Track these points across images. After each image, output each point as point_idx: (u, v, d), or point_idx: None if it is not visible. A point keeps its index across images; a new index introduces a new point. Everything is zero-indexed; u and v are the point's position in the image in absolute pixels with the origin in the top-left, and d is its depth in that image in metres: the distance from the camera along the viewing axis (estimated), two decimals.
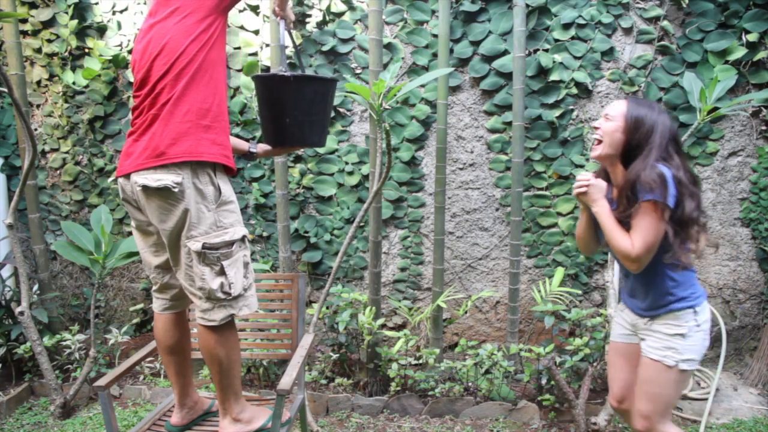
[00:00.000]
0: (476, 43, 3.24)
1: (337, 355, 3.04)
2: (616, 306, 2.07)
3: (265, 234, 3.50)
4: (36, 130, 3.59)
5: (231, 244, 1.67)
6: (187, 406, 1.93)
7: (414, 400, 2.92)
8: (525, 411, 2.83)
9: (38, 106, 3.58)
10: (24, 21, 3.43)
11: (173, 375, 1.89)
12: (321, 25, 3.30)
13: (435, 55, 3.21)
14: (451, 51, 3.22)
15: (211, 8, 1.61)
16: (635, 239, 1.70)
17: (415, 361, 3.01)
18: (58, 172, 3.64)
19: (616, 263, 3.15)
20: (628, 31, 3.21)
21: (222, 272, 1.65)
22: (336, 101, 3.34)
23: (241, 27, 3.33)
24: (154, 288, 1.86)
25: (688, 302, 1.80)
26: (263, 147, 2.03)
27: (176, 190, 1.57)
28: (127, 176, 1.65)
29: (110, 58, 3.43)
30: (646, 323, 1.86)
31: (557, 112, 3.24)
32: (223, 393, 1.77)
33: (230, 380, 1.76)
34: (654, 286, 1.81)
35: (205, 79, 1.62)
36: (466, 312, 3.43)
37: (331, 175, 3.42)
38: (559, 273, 3.18)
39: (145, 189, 1.59)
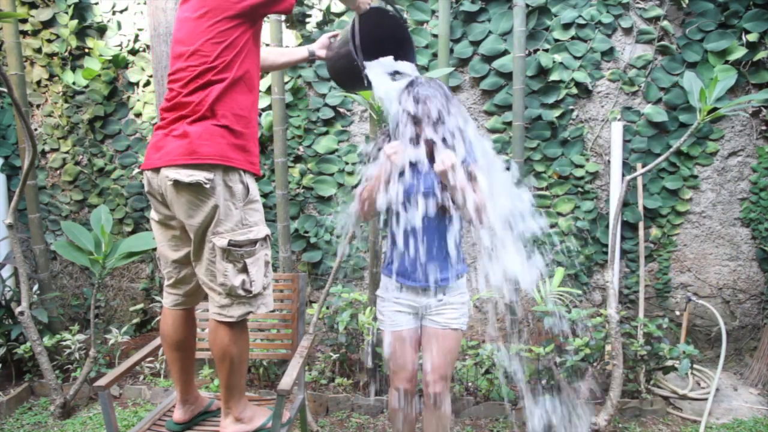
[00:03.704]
0: (476, 43, 3.24)
1: (337, 355, 3.04)
2: (388, 296, 2.02)
3: None
4: (36, 130, 3.59)
5: (255, 242, 1.68)
6: (189, 403, 1.94)
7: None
8: (525, 411, 2.83)
9: (38, 106, 3.58)
10: (24, 21, 3.43)
11: (177, 372, 1.90)
12: (321, 25, 3.30)
13: (435, 55, 3.21)
14: (451, 51, 3.22)
15: (240, 14, 1.60)
16: (482, 193, 1.88)
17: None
18: (58, 172, 3.64)
19: (615, 264, 3.15)
20: (628, 31, 3.21)
21: (245, 270, 1.67)
22: (336, 101, 3.35)
23: None
24: (167, 283, 1.86)
25: (465, 266, 2.03)
26: (322, 52, 2.05)
27: (208, 186, 1.58)
28: (156, 170, 1.66)
29: (110, 58, 3.43)
30: (439, 300, 1.96)
31: (557, 112, 3.24)
32: (229, 392, 1.78)
33: (237, 379, 1.78)
34: (449, 251, 1.94)
35: (241, 86, 1.64)
36: None
37: (331, 175, 3.42)
38: (559, 273, 3.18)
39: (176, 184, 1.60)
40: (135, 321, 3.62)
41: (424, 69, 3.27)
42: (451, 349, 1.99)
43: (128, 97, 3.52)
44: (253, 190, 1.70)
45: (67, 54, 3.47)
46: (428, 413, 2.05)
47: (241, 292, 1.67)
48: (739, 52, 3.09)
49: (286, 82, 3.31)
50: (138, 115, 3.54)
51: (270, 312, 2.46)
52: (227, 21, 1.59)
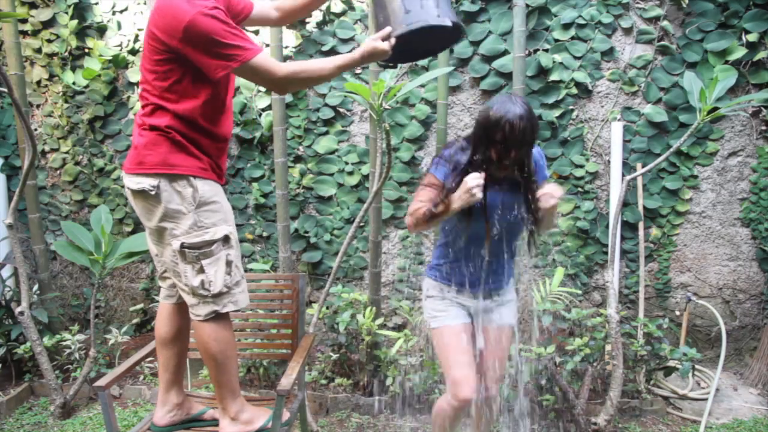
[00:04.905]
0: (476, 43, 3.24)
1: (337, 355, 3.04)
2: (442, 295, 1.98)
3: (265, 234, 3.50)
4: (36, 130, 3.59)
5: (211, 243, 1.71)
6: (169, 405, 1.91)
7: (414, 400, 2.92)
8: (525, 411, 2.83)
9: (38, 106, 3.58)
10: (24, 21, 3.43)
11: (160, 367, 1.92)
12: (321, 25, 3.30)
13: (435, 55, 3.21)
14: (451, 51, 3.22)
15: (171, 54, 1.62)
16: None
17: (416, 361, 3.01)
18: (58, 172, 3.64)
19: (615, 264, 3.15)
20: (628, 31, 3.21)
21: (202, 270, 1.70)
22: (336, 101, 3.35)
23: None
24: (158, 275, 1.93)
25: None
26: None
27: (153, 193, 1.66)
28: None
29: (110, 58, 3.43)
30: (495, 299, 1.97)
31: (557, 112, 3.24)
32: (220, 390, 1.80)
33: (227, 377, 1.78)
34: (508, 260, 1.96)
35: (185, 95, 1.66)
36: None
37: (331, 175, 3.42)
38: (559, 273, 3.18)
39: (130, 190, 1.71)
40: (135, 321, 3.62)
41: (423, 69, 3.27)
42: (507, 347, 1.98)
43: (128, 97, 3.52)
44: (207, 192, 1.72)
45: (67, 54, 3.47)
46: (476, 416, 1.95)
47: (202, 292, 1.71)
48: (739, 52, 3.08)
49: None
50: None
51: (270, 312, 2.48)
52: (161, 53, 1.62)
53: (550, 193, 1.73)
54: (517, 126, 1.64)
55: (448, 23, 1.66)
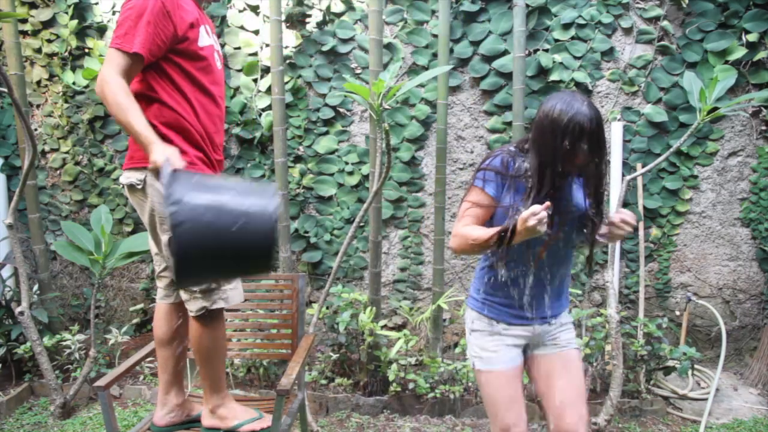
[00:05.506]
0: (476, 43, 3.24)
1: (337, 355, 3.04)
2: (493, 330, 1.71)
3: None
4: (36, 130, 3.59)
5: None
6: (168, 406, 1.91)
7: (414, 400, 2.92)
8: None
9: (38, 106, 3.58)
10: (24, 21, 3.43)
11: (159, 367, 1.93)
12: (321, 25, 3.30)
13: (435, 55, 3.21)
14: (451, 51, 3.22)
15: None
16: None
17: (416, 362, 3.02)
18: (58, 172, 3.64)
19: (615, 264, 3.15)
20: (628, 31, 3.21)
21: None
22: (336, 101, 3.35)
23: (241, 27, 3.33)
24: (156, 275, 1.93)
25: None
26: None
27: (140, 187, 1.69)
28: None
29: None
30: (551, 324, 1.72)
31: None
32: (205, 382, 1.83)
33: (212, 371, 1.81)
34: (568, 279, 1.77)
35: (167, 92, 1.68)
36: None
37: (331, 175, 3.42)
38: None
39: (125, 186, 1.75)
40: (135, 321, 3.62)
41: (424, 69, 3.27)
42: (578, 373, 1.70)
43: None
44: None
45: (67, 54, 3.47)
46: None
47: (192, 287, 1.72)
48: (739, 52, 3.09)
49: (286, 82, 3.31)
50: None
51: (270, 312, 2.48)
52: None
53: (626, 220, 1.55)
54: (589, 126, 1.44)
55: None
